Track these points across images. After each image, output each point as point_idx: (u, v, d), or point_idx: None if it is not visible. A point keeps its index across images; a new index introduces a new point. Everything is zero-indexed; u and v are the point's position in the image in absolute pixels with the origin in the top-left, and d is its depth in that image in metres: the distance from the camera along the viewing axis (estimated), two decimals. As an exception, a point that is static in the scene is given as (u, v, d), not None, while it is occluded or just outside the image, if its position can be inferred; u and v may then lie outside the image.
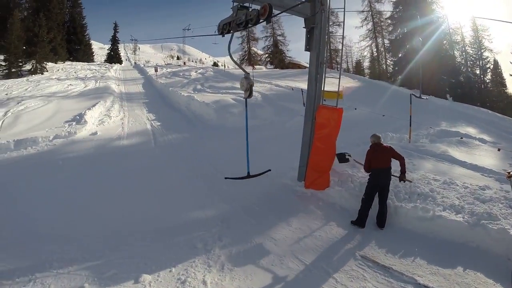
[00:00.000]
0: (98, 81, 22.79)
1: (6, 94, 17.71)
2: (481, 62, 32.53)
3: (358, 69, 40.39)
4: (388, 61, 37.45)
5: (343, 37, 7.98)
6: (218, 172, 7.88)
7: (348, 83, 19.91)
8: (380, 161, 5.54)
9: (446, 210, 5.28)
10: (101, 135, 10.83)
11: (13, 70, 25.28)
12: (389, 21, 35.86)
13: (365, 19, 37.89)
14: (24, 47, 26.79)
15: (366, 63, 40.89)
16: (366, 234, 5.21)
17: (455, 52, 32.57)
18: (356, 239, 5.09)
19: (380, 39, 37.99)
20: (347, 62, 43.56)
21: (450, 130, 10.17)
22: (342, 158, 7.06)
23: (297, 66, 40.64)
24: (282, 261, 4.58)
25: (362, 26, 37.96)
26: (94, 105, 14.01)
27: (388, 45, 36.68)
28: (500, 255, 4.46)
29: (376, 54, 38.71)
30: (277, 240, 5.10)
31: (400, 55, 33.98)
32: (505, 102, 30.74)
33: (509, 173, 4.62)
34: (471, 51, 33.01)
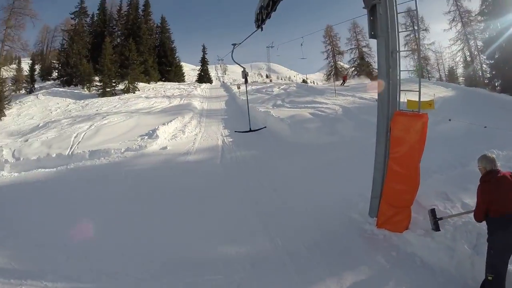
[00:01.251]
0: (183, 99, 23.55)
1: (96, 110, 19.62)
2: None
3: (451, 77, 35.19)
4: (484, 65, 31.04)
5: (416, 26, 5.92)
6: (277, 198, 6.58)
7: (441, 92, 16.67)
8: (509, 201, 3.16)
9: None
10: (171, 150, 10.87)
11: (108, 89, 28.36)
12: (479, 17, 29.90)
13: (453, 20, 32.51)
14: (119, 70, 30.13)
15: (460, 70, 35.41)
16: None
17: None
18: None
19: (473, 41, 32.05)
20: (439, 70, 38.43)
21: None
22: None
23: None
24: None
25: (450, 28, 32.74)
26: (170, 121, 14.31)
27: (481, 46, 30.59)
28: None
29: (469, 58, 32.95)
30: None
31: (496, 56, 27.68)
32: None
33: None
34: None
